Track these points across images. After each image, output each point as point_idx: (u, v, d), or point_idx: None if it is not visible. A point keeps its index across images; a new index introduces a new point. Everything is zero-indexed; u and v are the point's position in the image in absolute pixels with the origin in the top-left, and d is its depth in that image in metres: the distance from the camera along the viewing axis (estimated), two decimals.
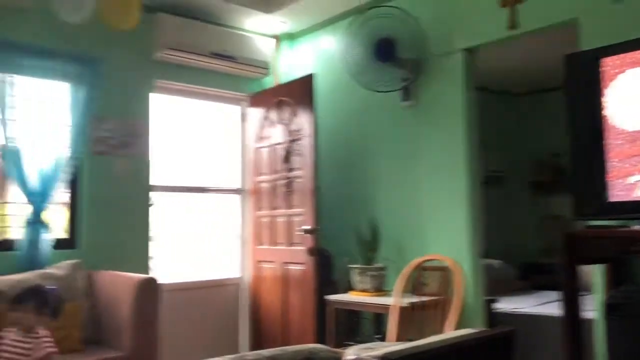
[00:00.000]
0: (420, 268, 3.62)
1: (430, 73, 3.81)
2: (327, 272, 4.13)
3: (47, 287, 2.73)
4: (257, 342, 4.41)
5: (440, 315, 3.42)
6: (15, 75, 3.51)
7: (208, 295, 4.43)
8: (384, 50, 3.80)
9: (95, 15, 3.30)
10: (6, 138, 3.45)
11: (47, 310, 2.62)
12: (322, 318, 3.85)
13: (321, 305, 3.86)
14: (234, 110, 4.81)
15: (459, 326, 3.24)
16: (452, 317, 3.31)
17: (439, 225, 3.71)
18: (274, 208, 4.38)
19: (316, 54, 4.71)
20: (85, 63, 3.75)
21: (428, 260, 3.61)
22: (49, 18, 3.32)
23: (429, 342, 1.59)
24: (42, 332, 2.58)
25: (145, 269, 3.90)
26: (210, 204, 4.68)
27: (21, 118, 3.50)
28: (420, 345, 1.53)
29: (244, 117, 4.80)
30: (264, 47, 4.62)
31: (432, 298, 3.50)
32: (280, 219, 4.32)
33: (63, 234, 3.77)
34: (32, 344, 2.51)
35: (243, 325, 4.56)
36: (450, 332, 2.58)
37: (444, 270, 3.54)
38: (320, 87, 4.27)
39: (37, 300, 2.60)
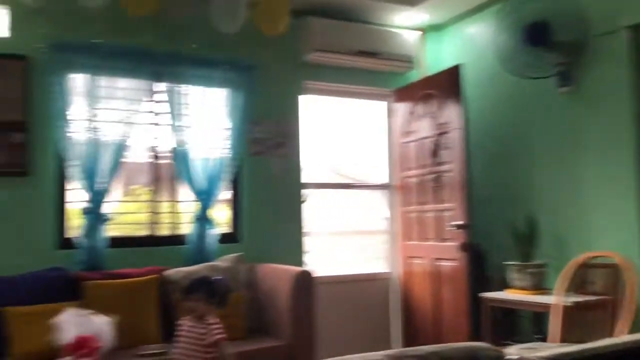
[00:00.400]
0: (584, 265, 3.37)
1: (591, 55, 3.52)
2: (480, 269, 4.01)
3: (215, 277, 2.91)
4: (409, 337, 4.41)
5: (610, 317, 3.15)
6: (182, 85, 3.86)
7: (359, 288, 4.51)
8: (536, 35, 3.59)
9: (248, 23, 3.52)
10: (176, 142, 3.81)
11: (215, 299, 2.81)
12: (476, 316, 3.74)
13: (475, 302, 3.75)
14: (380, 106, 4.84)
15: (633, 329, 2.96)
16: (625, 319, 3.03)
17: (604, 219, 3.42)
18: (423, 203, 4.34)
19: (463, 44, 4.58)
20: (241, 70, 4.01)
21: (593, 257, 3.35)
22: (209, 30, 3.59)
23: (603, 346, 1.47)
24: (212, 319, 2.77)
25: (301, 262, 4.08)
26: (359, 200, 4.77)
27: (189, 123, 3.84)
28: (593, 347, 1.43)
29: (390, 113, 4.81)
30: (408, 41, 4.59)
31: (599, 298, 3.23)
32: (429, 214, 4.27)
33: (227, 229, 4.07)
34: (205, 330, 2.72)
35: (395, 319, 4.58)
36: (624, 336, 2.37)
37: (611, 268, 3.25)
38: (468, 77, 4.14)
39: (206, 290, 2.79)
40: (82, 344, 2.70)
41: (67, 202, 3.60)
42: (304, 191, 4.29)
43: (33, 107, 3.49)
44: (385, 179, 4.78)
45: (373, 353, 1.36)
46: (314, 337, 3.24)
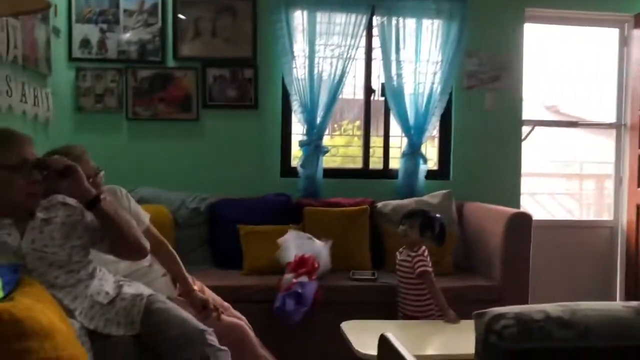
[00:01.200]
0: None
1: None
2: None
3: (435, 214, 2.91)
4: (630, 293, 4.00)
5: None
6: (396, 18, 3.81)
7: (578, 235, 4.18)
8: None
9: None
10: (387, 76, 3.82)
11: (430, 233, 2.83)
12: None
13: None
14: (611, 34, 4.26)
15: None
16: None
17: None
18: None
19: None
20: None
21: None
22: None
23: None
24: (421, 250, 2.82)
25: (515, 203, 3.89)
26: (581, 140, 4.35)
27: (402, 57, 3.81)
28: None
29: (625, 41, 4.22)
30: None
31: None
32: None
33: (436, 166, 4.04)
34: (412, 261, 2.78)
35: (621, 272, 4.18)
36: None
37: None
38: None
39: (423, 221, 2.83)
40: (302, 263, 2.95)
41: (290, 134, 3.89)
42: (523, 128, 4.03)
43: (260, 45, 3.78)
44: (612, 118, 4.27)
45: (610, 302, 1.25)
46: (526, 281, 3.11)
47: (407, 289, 2.78)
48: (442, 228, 2.86)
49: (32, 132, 2.81)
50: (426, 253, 2.82)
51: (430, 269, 2.76)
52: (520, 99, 4.01)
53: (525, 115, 4.07)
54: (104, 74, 3.69)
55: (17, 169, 1.72)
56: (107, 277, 1.97)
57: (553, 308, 0.98)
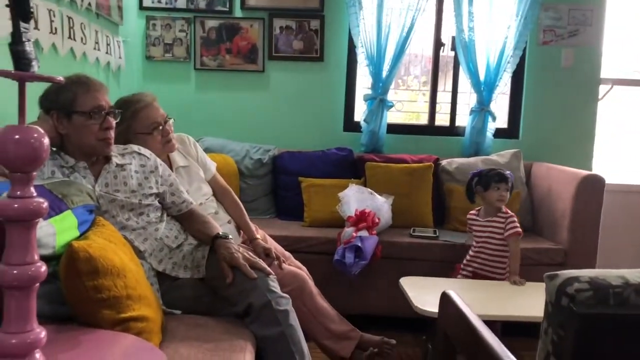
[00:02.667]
0: None
1: None
2: None
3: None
4: None
5: None
6: None
7: None
8: None
9: None
10: (458, 29, 3.67)
11: (511, 192, 2.73)
12: None
13: None
14: None
15: None
16: None
17: None
18: None
19: None
20: None
21: None
22: None
23: None
24: (510, 212, 2.72)
25: (586, 165, 3.71)
26: None
27: (473, 10, 3.64)
28: None
29: None
30: None
31: None
32: None
33: (505, 124, 3.89)
34: (503, 223, 2.66)
35: None
36: None
37: None
38: None
39: (509, 182, 2.70)
40: (362, 218, 2.95)
41: (354, 87, 3.84)
42: (601, 87, 3.81)
43: None
44: None
45: None
46: (595, 246, 2.99)
47: (491, 250, 2.67)
48: (511, 187, 2.76)
49: (104, 80, 2.90)
50: (513, 213, 2.71)
51: (519, 230, 2.64)
52: (600, 56, 3.77)
53: (603, 74, 3.83)
54: (173, 24, 3.73)
55: (91, 115, 1.77)
56: (175, 221, 2.03)
57: (632, 274, 0.93)
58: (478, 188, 2.73)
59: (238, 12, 3.74)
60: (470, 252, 2.75)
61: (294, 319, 1.81)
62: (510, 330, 2.38)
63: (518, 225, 2.64)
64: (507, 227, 2.63)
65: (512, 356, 1.09)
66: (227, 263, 1.83)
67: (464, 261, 2.75)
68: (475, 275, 2.67)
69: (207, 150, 3.16)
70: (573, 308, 0.90)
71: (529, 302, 2.30)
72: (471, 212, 2.81)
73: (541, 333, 1.00)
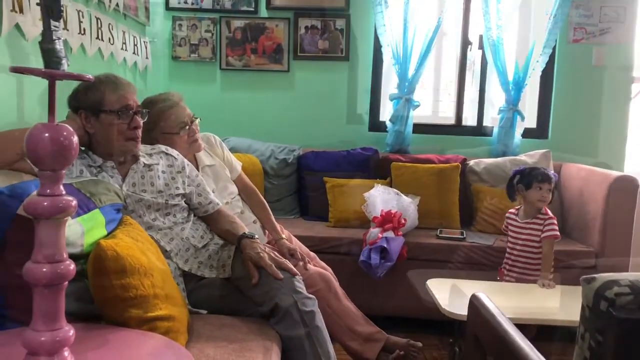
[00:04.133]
0: None
1: None
2: None
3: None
4: None
5: None
6: None
7: None
8: None
9: None
10: (487, 27, 3.61)
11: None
12: None
13: None
14: None
15: None
16: None
17: None
18: None
19: None
20: None
21: None
22: None
23: None
24: (550, 214, 2.64)
25: (618, 166, 3.63)
26: None
27: (502, 8, 3.58)
28: None
29: None
30: None
31: None
32: None
33: (534, 124, 3.82)
34: (542, 225, 2.60)
35: None
36: None
37: None
38: None
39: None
40: (388, 219, 2.92)
41: (380, 87, 3.81)
42: (634, 86, 3.71)
43: None
44: None
45: None
46: (628, 249, 2.91)
47: (532, 253, 2.60)
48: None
49: (131, 80, 2.93)
50: (553, 215, 2.64)
51: (557, 233, 2.58)
52: (632, 54, 3.68)
53: (636, 72, 3.73)
54: (199, 24, 3.75)
55: (119, 114, 1.78)
56: (202, 221, 2.04)
57: None
58: (519, 186, 2.66)
59: (263, 12, 3.74)
60: (511, 257, 2.67)
61: (319, 320, 1.79)
62: (543, 334, 2.33)
63: (557, 228, 2.57)
64: (544, 228, 2.57)
65: None
66: (254, 263, 1.83)
67: (506, 266, 2.68)
68: (519, 281, 2.60)
69: (232, 150, 3.16)
70: (613, 313, 0.87)
71: (561, 305, 2.25)
72: (511, 210, 2.75)
73: (577, 338, 0.96)
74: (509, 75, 3.63)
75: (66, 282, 1.04)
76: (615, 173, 2.98)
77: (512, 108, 3.62)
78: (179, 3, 3.73)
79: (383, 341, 2.31)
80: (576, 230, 3.21)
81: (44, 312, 1.01)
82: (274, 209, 2.55)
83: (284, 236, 2.35)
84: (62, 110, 1.81)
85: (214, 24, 3.74)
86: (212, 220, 2.04)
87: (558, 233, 2.57)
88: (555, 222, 2.59)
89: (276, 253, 1.94)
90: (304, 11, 3.72)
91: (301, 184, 3.54)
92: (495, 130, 3.70)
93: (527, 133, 3.75)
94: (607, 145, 3.72)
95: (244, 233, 1.95)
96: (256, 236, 1.97)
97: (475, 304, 1.37)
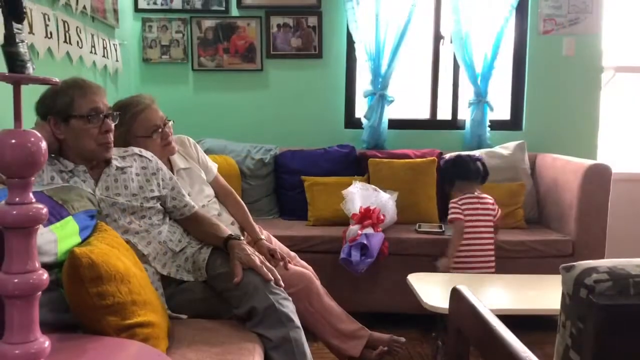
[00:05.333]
0: None
1: None
2: None
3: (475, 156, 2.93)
4: None
5: None
6: None
7: None
8: None
9: None
10: (456, 21, 3.63)
11: (448, 181, 2.94)
12: None
13: None
14: None
15: None
16: None
17: None
18: None
19: None
20: None
21: None
22: None
23: None
24: (489, 197, 2.78)
25: (591, 155, 3.69)
26: None
27: (471, 1, 3.60)
28: None
29: None
30: None
31: None
32: None
33: (505, 116, 3.86)
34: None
35: None
36: None
37: None
38: None
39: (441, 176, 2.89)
40: (367, 215, 2.92)
41: (354, 83, 3.81)
42: (603, 75, 3.77)
43: None
44: None
45: None
46: (603, 236, 2.96)
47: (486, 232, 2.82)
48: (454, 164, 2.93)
49: (101, 83, 2.88)
50: (460, 202, 2.81)
51: (455, 217, 2.76)
52: (601, 44, 3.74)
53: (605, 61, 3.79)
54: (169, 25, 3.70)
55: (89, 118, 1.74)
56: (179, 224, 2.00)
57: None
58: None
59: (234, 11, 3.71)
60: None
61: (297, 320, 1.78)
62: (521, 324, 2.35)
63: (452, 211, 2.78)
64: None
65: (528, 351, 1.07)
66: (243, 264, 1.81)
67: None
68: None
69: (207, 151, 3.13)
70: (592, 299, 0.87)
71: (542, 294, 2.27)
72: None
73: (559, 326, 0.97)
74: (476, 68, 3.66)
75: (40, 293, 1.01)
76: (589, 162, 3.02)
77: (482, 100, 3.65)
78: (148, 4, 3.68)
79: (366, 338, 2.31)
80: (553, 220, 3.25)
81: (18, 324, 0.98)
82: (252, 210, 2.53)
83: (263, 237, 2.32)
84: (31, 117, 1.77)
85: (184, 24, 3.70)
86: (190, 223, 2.01)
87: (453, 216, 2.78)
88: (453, 205, 2.79)
89: (262, 257, 1.92)
90: (275, 9, 3.69)
91: (279, 184, 3.52)
92: (468, 123, 3.72)
93: (502, 125, 3.79)
94: (580, 134, 3.78)
95: (231, 235, 1.93)
96: (242, 238, 1.95)
97: (456, 297, 1.37)
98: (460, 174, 2.88)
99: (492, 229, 2.78)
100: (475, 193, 2.83)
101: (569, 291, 0.92)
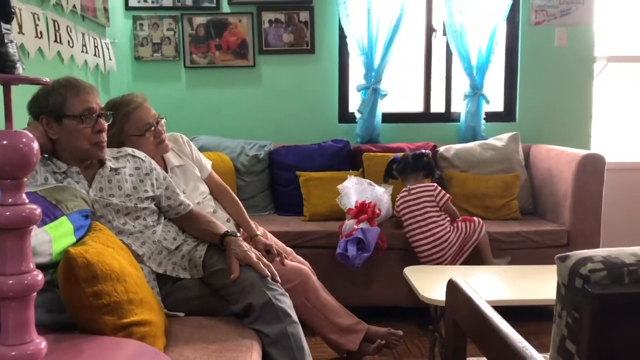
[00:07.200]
0: None
1: None
2: None
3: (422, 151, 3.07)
4: None
5: None
6: None
7: None
8: None
9: None
10: (449, 13, 3.63)
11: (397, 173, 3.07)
12: None
13: None
14: None
15: None
16: None
17: None
18: None
19: None
20: None
21: None
22: None
23: None
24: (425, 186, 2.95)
25: (585, 145, 3.70)
26: None
27: None
28: None
29: None
30: None
31: None
32: None
33: (500, 107, 3.86)
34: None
35: None
36: None
37: None
38: None
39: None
40: (363, 210, 2.92)
41: (347, 78, 3.80)
42: (596, 65, 3.78)
43: None
44: None
45: None
46: (598, 226, 2.97)
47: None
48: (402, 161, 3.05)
49: (93, 82, 2.86)
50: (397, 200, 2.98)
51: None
52: (593, 34, 3.74)
53: (598, 51, 3.80)
54: (160, 23, 3.68)
55: (82, 118, 1.73)
56: (174, 223, 2.00)
57: None
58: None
59: (226, 8, 3.70)
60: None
61: (295, 315, 1.78)
62: (517, 314, 2.36)
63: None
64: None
65: (524, 341, 1.07)
66: (240, 260, 1.81)
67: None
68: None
69: (201, 148, 3.12)
70: (588, 289, 0.87)
71: (537, 285, 2.28)
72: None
73: (555, 316, 0.97)
74: (472, 60, 3.66)
75: (35, 294, 1.00)
76: (583, 152, 3.03)
77: (477, 92, 3.65)
78: (138, 2, 3.66)
79: (364, 331, 2.31)
80: (548, 210, 3.26)
81: (13, 326, 0.98)
82: (247, 206, 2.53)
83: (259, 232, 2.32)
84: (24, 117, 1.76)
85: (175, 21, 3.68)
86: (186, 221, 2.00)
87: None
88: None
89: (258, 253, 1.92)
90: (266, 5, 3.68)
91: (274, 180, 3.51)
92: (463, 116, 3.73)
93: (495, 117, 3.80)
94: (574, 124, 3.79)
95: (227, 231, 1.93)
96: (239, 234, 1.95)
97: (452, 289, 1.38)
98: (387, 174, 3.12)
99: (437, 219, 2.81)
100: (407, 187, 2.94)
101: (564, 281, 0.92)
